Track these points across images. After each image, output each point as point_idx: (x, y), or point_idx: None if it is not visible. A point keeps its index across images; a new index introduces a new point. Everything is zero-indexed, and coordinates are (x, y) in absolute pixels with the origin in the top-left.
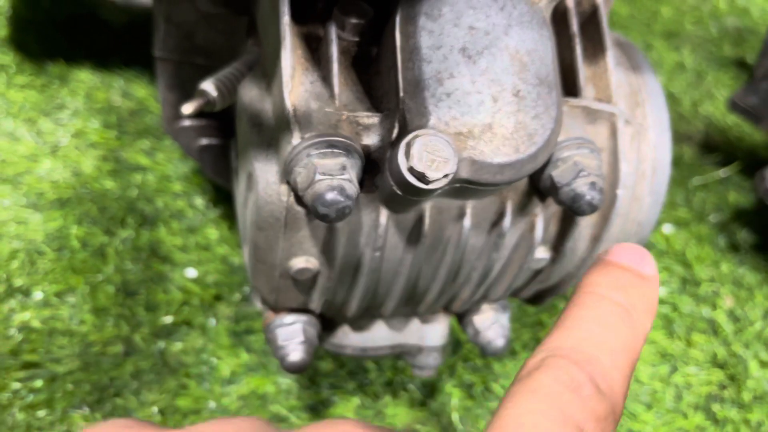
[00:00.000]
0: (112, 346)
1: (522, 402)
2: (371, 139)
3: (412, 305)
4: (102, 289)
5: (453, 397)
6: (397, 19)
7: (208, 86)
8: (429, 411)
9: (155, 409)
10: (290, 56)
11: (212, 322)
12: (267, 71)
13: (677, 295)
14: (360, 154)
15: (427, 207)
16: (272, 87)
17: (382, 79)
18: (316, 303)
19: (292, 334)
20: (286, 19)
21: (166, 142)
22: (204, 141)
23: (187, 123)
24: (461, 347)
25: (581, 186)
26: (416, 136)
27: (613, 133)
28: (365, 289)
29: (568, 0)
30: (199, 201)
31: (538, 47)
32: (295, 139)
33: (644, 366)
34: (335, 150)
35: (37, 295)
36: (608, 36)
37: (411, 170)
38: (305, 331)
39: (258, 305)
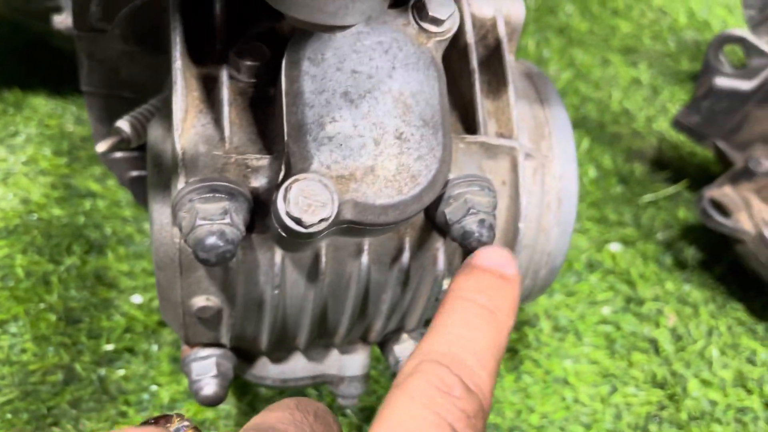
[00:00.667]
0: (51, 374)
1: (400, 406)
2: (259, 182)
3: (326, 338)
4: (44, 317)
5: None
6: (284, 64)
7: (123, 124)
8: None
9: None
10: (181, 100)
11: (155, 348)
12: (170, 111)
13: (621, 314)
14: (246, 197)
15: (323, 245)
16: (172, 127)
17: (276, 121)
18: (225, 338)
19: (206, 368)
20: (178, 63)
21: None
22: (134, 173)
23: (119, 155)
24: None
25: (471, 224)
26: (295, 181)
27: (514, 167)
28: (272, 325)
29: (468, 36)
30: (148, 226)
31: (424, 88)
32: (180, 183)
33: (585, 386)
34: (217, 194)
35: None
36: (510, 70)
37: (288, 215)
38: (219, 365)
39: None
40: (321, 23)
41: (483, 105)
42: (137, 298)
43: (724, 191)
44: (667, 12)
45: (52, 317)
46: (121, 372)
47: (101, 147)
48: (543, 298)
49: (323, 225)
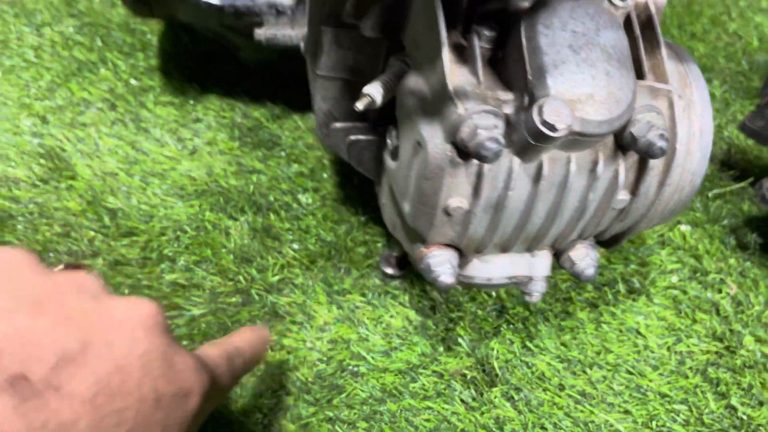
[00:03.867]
0: (233, 297)
1: None
2: (508, 109)
3: (530, 241)
4: (225, 257)
5: (496, 350)
6: (522, 29)
7: (373, 90)
8: (476, 360)
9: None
10: (448, 56)
11: (310, 282)
12: (423, 72)
13: (687, 282)
14: (503, 118)
15: (545, 157)
16: (430, 80)
17: (508, 71)
18: (461, 238)
19: (443, 262)
20: (443, 34)
21: (275, 152)
22: (352, 137)
23: (337, 125)
24: (506, 311)
25: (653, 137)
26: (545, 100)
27: (671, 105)
28: (501, 225)
29: (631, 12)
30: (302, 198)
31: (618, 43)
32: (460, 109)
33: (654, 337)
34: (488, 114)
35: (181, 261)
36: (661, 36)
37: (544, 123)
38: (451, 259)
39: (386, 270)
40: None
41: (645, 61)
42: (294, 246)
43: None
44: (742, 36)
45: (231, 257)
46: (286, 299)
47: (359, 106)
48: (620, 265)
49: (566, 131)
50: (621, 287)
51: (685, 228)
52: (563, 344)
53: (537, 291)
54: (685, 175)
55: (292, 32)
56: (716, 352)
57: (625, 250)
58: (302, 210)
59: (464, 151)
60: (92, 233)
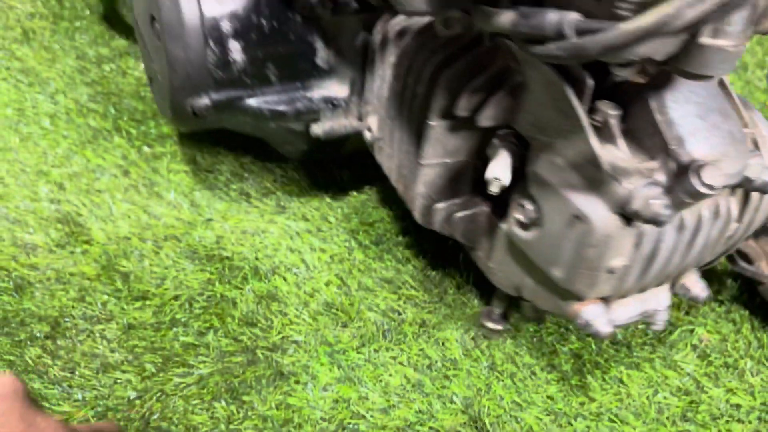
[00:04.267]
0: (239, 356)
1: None
2: (658, 176)
3: (662, 279)
4: (232, 323)
5: (487, 407)
6: (653, 105)
7: (500, 173)
8: (469, 417)
9: (273, 404)
10: (595, 139)
11: (312, 341)
12: (557, 152)
13: (659, 336)
14: (660, 185)
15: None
16: (570, 158)
17: (639, 142)
18: (617, 289)
19: (598, 314)
20: (585, 120)
21: (284, 216)
22: (458, 215)
23: (439, 206)
24: (496, 368)
25: (764, 178)
26: (701, 165)
27: (755, 144)
28: (650, 272)
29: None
30: (309, 257)
31: (724, 104)
32: (626, 185)
33: (635, 386)
34: (652, 185)
35: (192, 326)
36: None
37: (704, 184)
38: (604, 310)
39: (487, 324)
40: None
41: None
42: (298, 309)
43: (748, 244)
44: None
45: (237, 323)
46: (290, 359)
47: (495, 189)
48: None
49: (720, 190)
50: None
51: None
52: (549, 397)
53: (662, 320)
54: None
55: (346, 122)
56: (690, 402)
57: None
58: (309, 273)
59: (628, 218)
60: (106, 297)
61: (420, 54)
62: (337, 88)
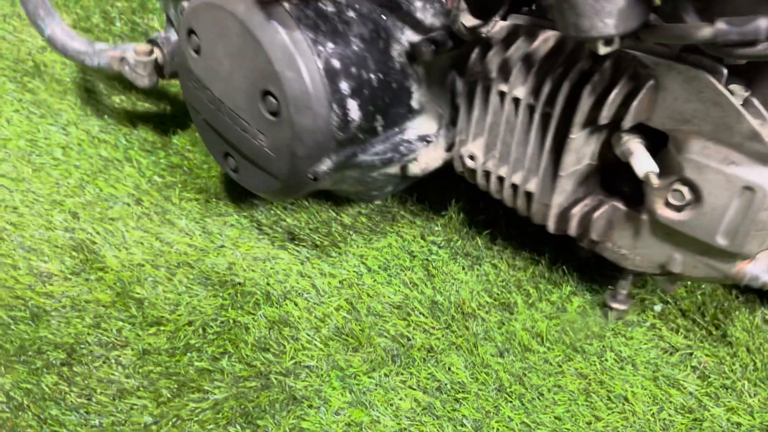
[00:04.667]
0: (253, 381)
1: None
2: None
3: None
4: (245, 348)
5: (496, 429)
6: None
7: (652, 166)
8: None
9: (287, 428)
10: (755, 122)
11: (324, 365)
12: (713, 138)
13: (662, 356)
14: None
15: None
16: (731, 140)
17: None
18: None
19: (761, 267)
20: (740, 108)
21: (294, 242)
22: (595, 214)
23: (574, 211)
24: (504, 390)
25: None
26: None
27: None
28: None
29: None
30: (319, 282)
31: None
32: None
33: (640, 404)
34: None
35: (206, 351)
36: None
37: None
38: (763, 263)
39: (614, 305)
40: None
41: None
42: (310, 334)
43: None
44: None
45: (249, 347)
46: (303, 383)
47: (655, 181)
48: (615, 341)
49: None
50: (609, 356)
51: (657, 308)
52: (557, 417)
53: None
54: None
55: (437, 155)
56: (694, 419)
57: (614, 323)
58: (320, 299)
59: None
60: (121, 323)
61: (550, 76)
62: (428, 125)
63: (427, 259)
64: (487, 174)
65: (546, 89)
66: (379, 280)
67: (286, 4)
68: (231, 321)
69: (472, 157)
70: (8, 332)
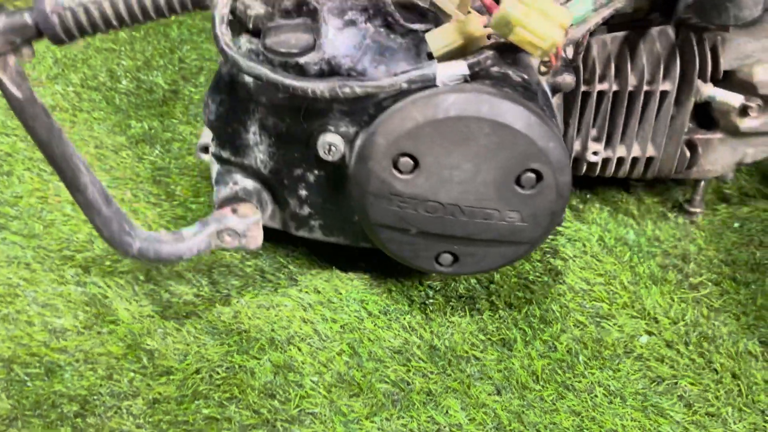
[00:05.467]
0: (260, 430)
1: None
2: None
3: None
4: (252, 394)
5: None
6: None
7: None
8: None
9: None
10: None
11: (329, 412)
12: None
13: (649, 386)
14: None
15: None
16: None
17: None
18: None
19: None
20: None
21: (295, 289)
22: None
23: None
24: (503, 428)
25: None
26: None
27: None
28: None
29: None
30: (321, 327)
31: None
32: None
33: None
34: None
35: (214, 398)
36: None
37: None
38: None
39: (692, 209)
40: None
41: None
42: (313, 379)
43: None
44: None
45: (258, 394)
46: (307, 430)
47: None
48: (596, 371)
49: None
50: (598, 391)
51: (642, 339)
52: None
53: None
54: None
55: None
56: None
57: (600, 356)
58: (321, 341)
59: None
60: (132, 374)
61: (661, 62)
62: None
63: (424, 303)
64: (606, 161)
65: (660, 74)
66: (379, 324)
67: (507, 89)
68: (237, 366)
69: (595, 153)
70: (24, 389)
